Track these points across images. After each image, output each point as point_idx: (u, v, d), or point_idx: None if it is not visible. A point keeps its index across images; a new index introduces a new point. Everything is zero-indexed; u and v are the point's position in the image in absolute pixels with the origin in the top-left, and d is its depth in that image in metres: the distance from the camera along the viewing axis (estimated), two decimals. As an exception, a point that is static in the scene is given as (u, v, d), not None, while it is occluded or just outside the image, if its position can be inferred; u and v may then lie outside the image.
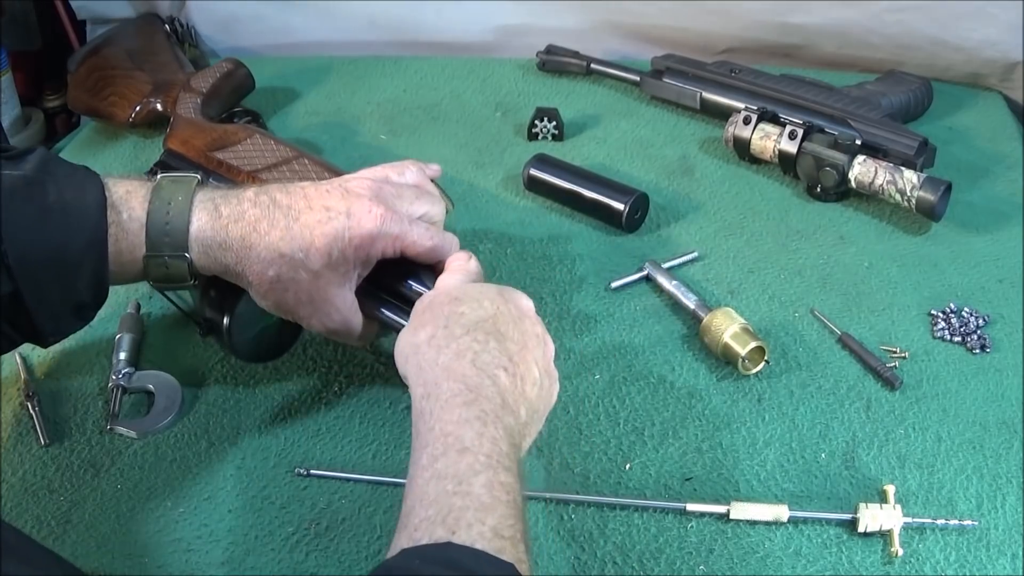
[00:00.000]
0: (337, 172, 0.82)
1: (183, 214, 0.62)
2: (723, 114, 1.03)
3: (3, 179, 0.58)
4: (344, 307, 0.67)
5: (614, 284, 0.84)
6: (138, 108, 1.06)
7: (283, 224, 0.63)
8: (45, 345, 0.65)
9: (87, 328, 0.81)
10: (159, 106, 1.05)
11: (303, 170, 0.86)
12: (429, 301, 0.62)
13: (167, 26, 1.22)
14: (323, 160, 0.88)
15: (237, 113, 1.04)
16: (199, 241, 0.62)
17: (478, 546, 0.45)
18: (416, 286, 0.69)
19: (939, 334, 0.78)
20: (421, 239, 0.66)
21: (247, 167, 0.87)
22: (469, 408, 0.53)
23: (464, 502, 0.47)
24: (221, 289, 0.70)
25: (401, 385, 0.60)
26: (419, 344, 0.58)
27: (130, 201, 0.62)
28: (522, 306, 0.63)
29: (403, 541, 0.48)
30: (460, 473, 0.49)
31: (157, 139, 1.10)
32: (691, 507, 0.65)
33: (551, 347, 0.63)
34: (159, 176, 0.64)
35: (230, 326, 0.71)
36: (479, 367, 0.55)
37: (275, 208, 0.64)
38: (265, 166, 0.87)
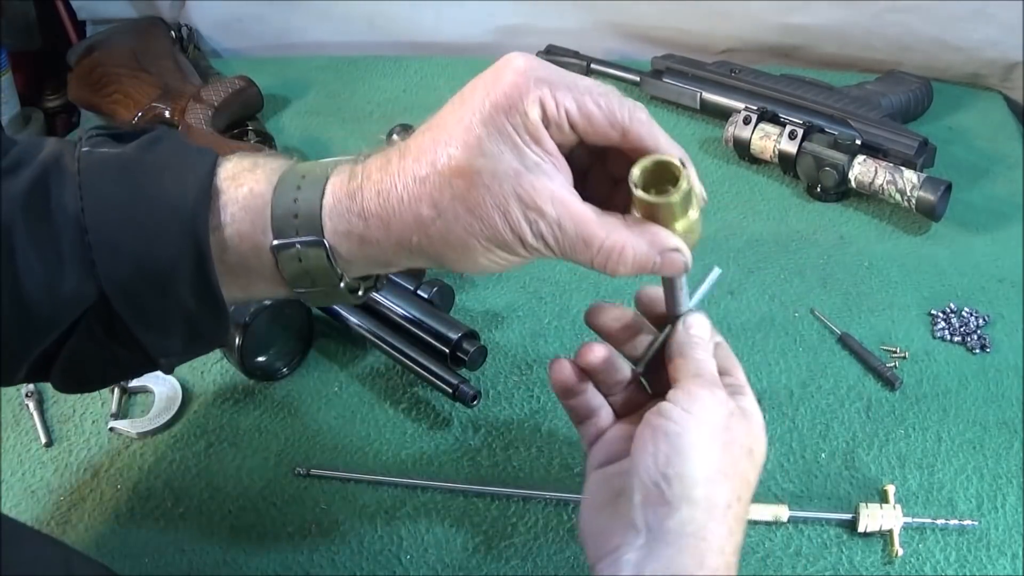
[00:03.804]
0: None
1: (316, 185, 0.46)
2: (723, 114, 1.03)
3: (96, 157, 0.46)
4: (545, 196, 0.43)
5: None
6: (144, 111, 1.07)
7: (414, 144, 0.45)
8: (162, 370, 0.51)
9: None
10: (167, 113, 1.06)
11: None
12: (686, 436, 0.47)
13: (172, 32, 1.23)
14: None
15: (248, 131, 1.05)
16: (335, 216, 0.45)
17: None
18: None
19: (939, 334, 0.78)
20: (592, 96, 0.44)
21: None
22: None
23: None
24: (238, 307, 0.72)
25: (400, 385, 0.60)
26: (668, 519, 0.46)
27: (255, 172, 0.47)
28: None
29: None
30: None
31: (157, 139, 1.10)
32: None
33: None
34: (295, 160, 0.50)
35: (243, 345, 0.71)
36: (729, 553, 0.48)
37: (404, 142, 0.46)
38: None
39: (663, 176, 0.45)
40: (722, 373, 0.51)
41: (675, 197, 0.44)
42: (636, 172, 0.44)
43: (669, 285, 0.51)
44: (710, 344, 0.52)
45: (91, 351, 0.47)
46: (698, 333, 0.51)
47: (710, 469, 0.46)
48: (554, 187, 0.44)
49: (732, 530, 0.47)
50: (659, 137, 0.45)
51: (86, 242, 0.44)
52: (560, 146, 0.45)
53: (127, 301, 0.45)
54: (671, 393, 0.49)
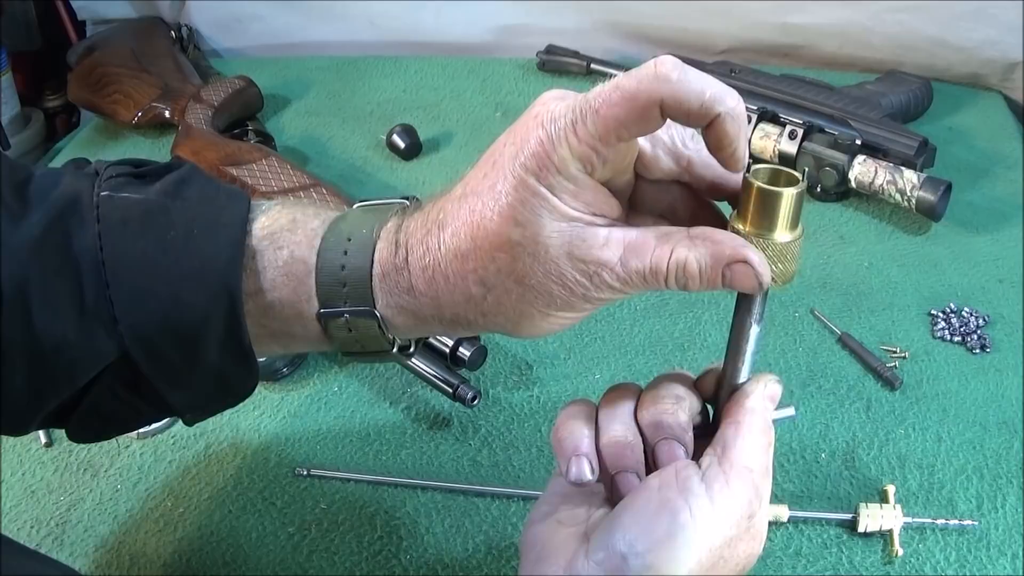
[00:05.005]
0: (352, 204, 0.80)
1: (364, 252, 0.43)
2: (723, 114, 1.03)
3: (117, 202, 0.43)
4: (599, 243, 0.40)
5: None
6: (144, 111, 1.07)
7: (449, 216, 0.42)
8: (187, 423, 0.50)
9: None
10: (167, 113, 1.06)
11: (320, 198, 0.85)
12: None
13: (172, 32, 1.23)
14: (341, 191, 0.87)
15: (249, 131, 1.05)
16: (383, 288, 0.43)
17: None
18: None
19: (939, 334, 0.78)
20: (609, 99, 0.38)
21: (262, 187, 0.87)
22: None
23: None
24: None
25: (400, 385, 0.59)
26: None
27: (295, 233, 0.44)
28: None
29: None
30: None
31: (158, 141, 1.10)
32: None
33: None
34: (357, 206, 0.47)
35: None
36: None
37: (433, 205, 0.44)
38: (281, 189, 0.87)
39: (776, 182, 0.41)
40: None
41: (793, 190, 0.40)
42: (754, 168, 0.41)
43: (738, 324, 0.44)
44: (770, 422, 0.43)
45: (111, 405, 0.45)
46: (766, 409, 0.43)
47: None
48: (604, 231, 0.40)
49: None
50: (699, 83, 0.38)
51: (107, 297, 0.41)
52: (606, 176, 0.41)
53: (151, 360, 0.43)
54: (708, 466, 0.41)
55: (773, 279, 0.41)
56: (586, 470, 0.42)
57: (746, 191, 0.41)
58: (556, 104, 0.40)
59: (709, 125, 0.39)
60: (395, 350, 0.45)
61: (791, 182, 0.41)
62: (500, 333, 0.44)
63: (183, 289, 0.42)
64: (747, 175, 0.41)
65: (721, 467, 0.41)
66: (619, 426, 0.43)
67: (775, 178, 0.42)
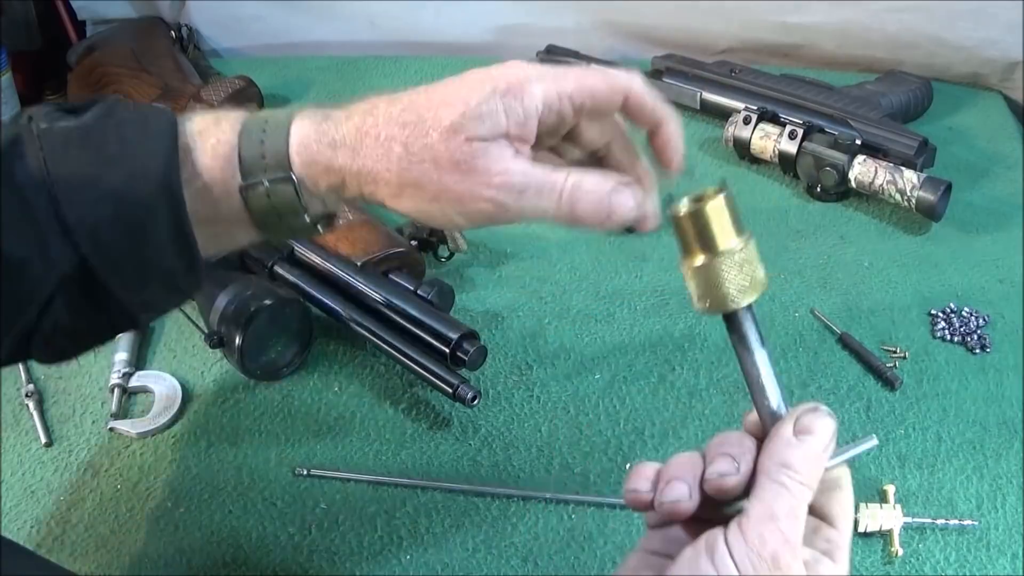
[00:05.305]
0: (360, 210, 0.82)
1: (281, 126, 0.49)
2: (723, 114, 1.03)
3: (56, 131, 0.47)
4: (499, 174, 0.46)
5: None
6: None
7: (407, 98, 0.49)
8: (140, 327, 0.54)
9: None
10: None
11: None
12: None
13: (172, 32, 1.23)
14: None
15: None
16: (302, 149, 0.49)
17: None
18: None
19: (939, 334, 0.78)
20: (590, 74, 0.48)
21: None
22: None
23: None
24: (237, 306, 0.72)
25: (400, 385, 0.59)
26: None
27: (220, 126, 0.49)
28: None
29: None
30: None
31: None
32: (691, 507, 0.64)
33: None
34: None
35: (243, 345, 0.71)
36: None
37: (396, 94, 0.50)
38: None
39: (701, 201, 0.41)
40: (820, 516, 0.40)
41: (713, 201, 0.40)
42: (676, 204, 0.41)
43: (741, 356, 0.41)
44: (815, 469, 0.39)
45: (73, 320, 0.49)
46: (805, 454, 0.39)
47: None
48: (516, 165, 0.47)
49: None
50: (657, 99, 0.49)
51: (58, 212, 0.45)
52: (554, 132, 0.49)
53: (106, 262, 0.47)
54: (733, 523, 0.38)
55: (747, 289, 0.40)
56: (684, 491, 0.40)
57: (677, 227, 0.41)
58: (530, 64, 0.48)
59: (655, 130, 0.49)
60: (307, 218, 0.50)
61: (714, 194, 0.40)
62: (389, 208, 0.49)
63: (128, 190, 0.46)
64: (670, 211, 0.41)
65: (744, 523, 0.38)
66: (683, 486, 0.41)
67: (700, 199, 0.41)
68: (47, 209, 0.45)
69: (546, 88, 0.47)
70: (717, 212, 0.40)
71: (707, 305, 0.40)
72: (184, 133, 0.49)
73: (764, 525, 0.37)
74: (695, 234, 0.40)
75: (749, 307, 0.40)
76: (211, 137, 0.49)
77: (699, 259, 0.40)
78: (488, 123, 0.46)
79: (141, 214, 0.47)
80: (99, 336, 0.53)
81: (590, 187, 0.47)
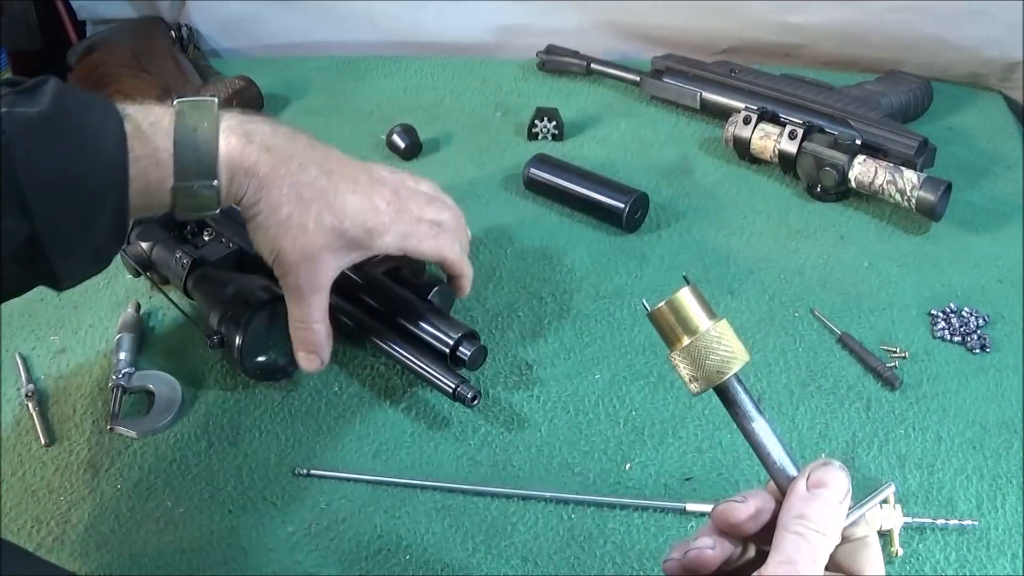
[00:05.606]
0: None
1: (211, 140, 0.60)
2: (723, 114, 1.03)
3: (18, 116, 0.54)
4: (323, 276, 0.66)
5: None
6: None
7: (314, 173, 0.64)
8: (60, 289, 0.61)
9: (87, 328, 0.81)
10: None
11: None
12: None
13: (172, 32, 1.23)
14: None
15: None
16: (228, 165, 0.60)
17: None
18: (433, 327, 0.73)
19: (939, 334, 0.78)
20: (424, 240, 0.70)
21: None
22: None
23: None
24: (237, 306, 0.71)
25: (400, 385, 0.60)
26: None
27: (157, 131, 0.58)
28: None
29: None
30: None
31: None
32: (691, 507, 0.65)
33: None
34: (176, 102, 0.61)
35: (243, 345, 0.71)
36: None
37: (312, 151, 0.65)
38: None
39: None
40: (842, 570, 0.40)
41: (678, 294, 0.43)
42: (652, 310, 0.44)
43: (742, 427, 0.43)
44: (831, 518, 0.39)
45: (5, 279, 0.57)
46: (820, 505, 0.39)
47: None
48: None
49: None
50: (463, 262, 0.75)
51: (21, 191, 0.52)
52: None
53: (54, 239, 0.55)
54: (754, 574, 0.38)
55: (731, 358, 0.43)
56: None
57: (657, 322, 0.44)
58: (404, 216, 0.69)
59: (457, 280, 0.75)
60: (217, 212, 0.61)
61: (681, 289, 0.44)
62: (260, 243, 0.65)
63: (84, 180, 0.55)
64: (649, 311, 0.44)
65: None
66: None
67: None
68: (10, 187, 0.52)
69: (392, 243, 0.68)
70: (689, 299, 0.43)
71: (699, 384, 0.43)
72: (128, 135, 0.56)
73: (782, 569, 0.37)
74: (675, 321, 0.43)
75: (739, 379, 0.43)
76: (151, 142, 0.58)
77: (683, 341, 0.43)
78: (343, 243, 0.65)
79: (92, 201, 0.56)
80: (16, 294, 0.60)
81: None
